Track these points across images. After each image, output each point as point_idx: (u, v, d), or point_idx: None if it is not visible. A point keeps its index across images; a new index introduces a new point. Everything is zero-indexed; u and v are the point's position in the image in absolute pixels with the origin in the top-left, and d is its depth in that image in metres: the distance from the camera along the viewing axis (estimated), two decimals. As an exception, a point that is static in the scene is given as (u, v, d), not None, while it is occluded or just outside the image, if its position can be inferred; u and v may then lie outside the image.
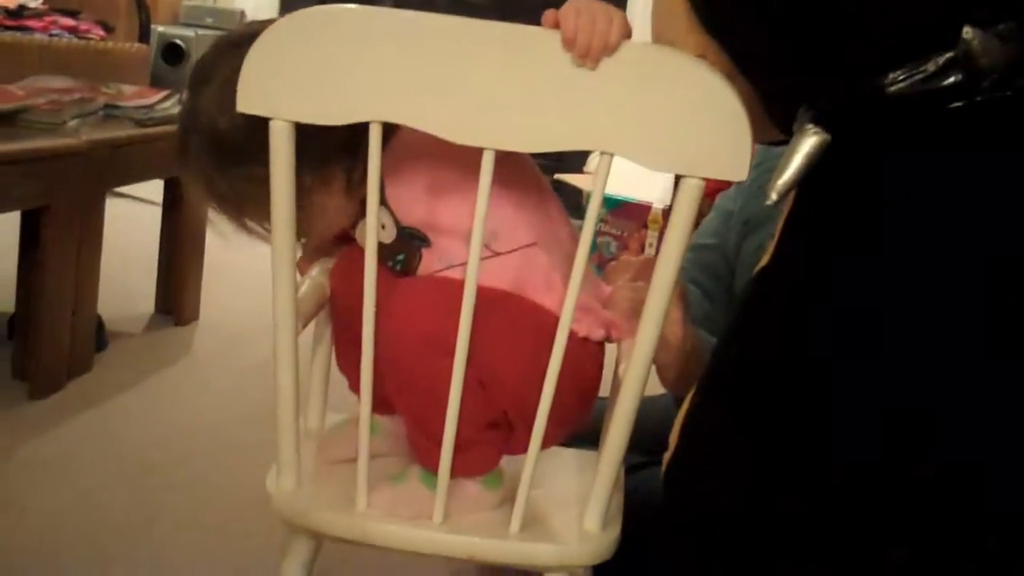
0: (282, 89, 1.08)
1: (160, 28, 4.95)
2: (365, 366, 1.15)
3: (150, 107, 2.92)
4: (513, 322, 1.23)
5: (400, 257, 1.29)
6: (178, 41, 4.93)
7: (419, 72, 1.06)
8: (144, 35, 4.91)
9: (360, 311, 1.14)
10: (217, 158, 1.22)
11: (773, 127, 1.15)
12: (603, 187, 1.09)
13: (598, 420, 1.37)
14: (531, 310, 1.24)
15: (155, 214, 3.23)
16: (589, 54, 1.03)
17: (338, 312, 1.36)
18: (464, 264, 1.13)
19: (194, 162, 1.24)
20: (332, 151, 1.23)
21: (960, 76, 0.99)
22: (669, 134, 1.05)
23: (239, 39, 1.19)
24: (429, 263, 1.28)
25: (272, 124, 1.09)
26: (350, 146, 1.22)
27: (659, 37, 1.19)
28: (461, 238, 1.23)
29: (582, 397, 1.29)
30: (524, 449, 1.19)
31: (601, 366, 1.30)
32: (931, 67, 1.00)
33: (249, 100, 1.09)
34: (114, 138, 2.65)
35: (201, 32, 4.97)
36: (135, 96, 2.98)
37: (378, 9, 1.09)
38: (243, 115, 1.10)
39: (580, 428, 1.33)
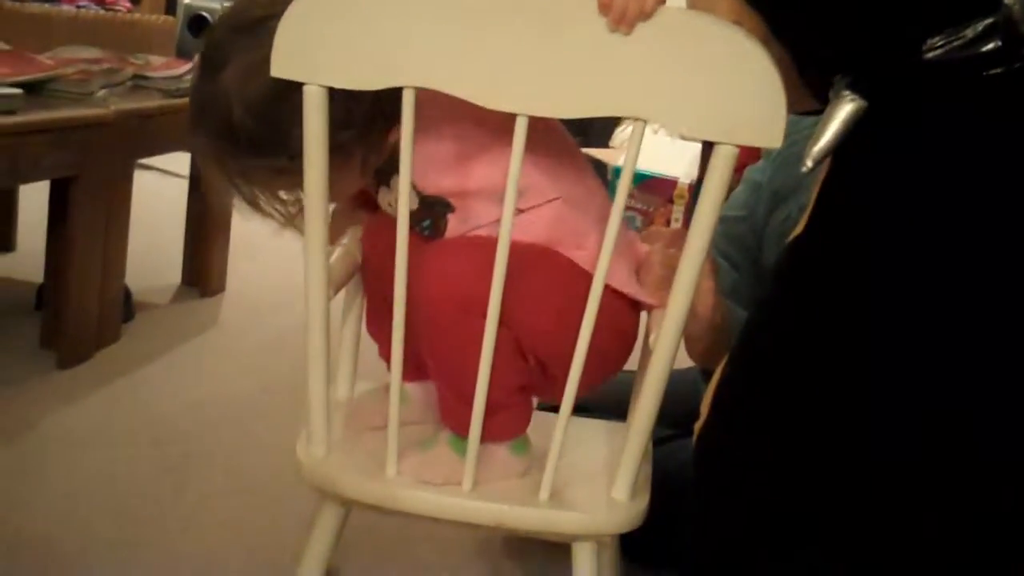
0: (316, 54, 1.08)
1: (187, 1, 4.95)
2: (397, 327, 1.15)
3: (178, 77, 2.92)
4: (546, 274, 1.22)
5: (426, 223, 1.29)
6: (204, 13, 4.92)
7: (452, 37, 1.06)
8: (171, 6, 4.92)
9: (391, 275, 1.14)
10: (231, 145, 1.21)
11: (807, 95, 1.14)
12: (636, 153, 1.08)
13: (626, 392, 1.36)
14: (564, 264, 1.24)
15: (182, 187, 3.24)
16: (625, 19, 1.02)
17: (369, 277, 1.36)
18: (492, 223, 1.13)
19: (205, 143, 1.23)
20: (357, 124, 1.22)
21: (999, 42, 0.98)
22: (703, 100, 1.04)
23: (249, 24, 1.19)
24: (456, 226, 1.28)
25: (306, 89, 1.09)
26: (372, 120, 1.21)
27: (694, 2, 1.18)
28: (488, 199, 1.23)
29: (621, 340, 1.30)
30: (555, 394, 1.20)
31: (638, 313, 1.31)
32: (970, 33, 0.99)
33: (283, 65, 1.09)
34: (142, 108, 2.65)
35: (227, 3, 4.97)
36: (163, 67, 2.98)
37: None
38: (260, 107, 1.11)
39: (618, 371, 1.33)
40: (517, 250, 1.12)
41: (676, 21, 1.04)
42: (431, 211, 1.28)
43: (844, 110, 1.03)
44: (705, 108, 1.04)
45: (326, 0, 1.07)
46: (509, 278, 1.11)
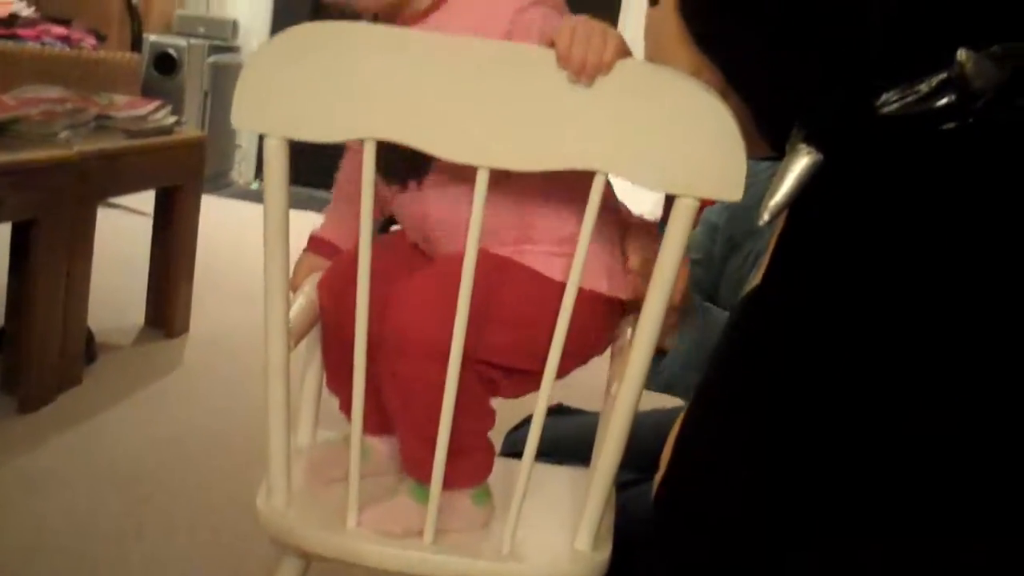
0: (277, 106, 1.08)
1: (152, 37, 4.94)
2: (358, 371, 1.14)
3: (142, 117, 2.92)
4: (513, 291, 1.22)
5: (405, 153, 1.26)
6: (170, 51, 4.92)
7: (414, 89, 1.06)
8: (136, 44, 4.91)
9: (352, 322, 1.13)
10: None
11: (765, 144, 1.14)
12: (597, 205, 1.08)
13: (591, 434, 1.36)
14: (531, 276, 1.24)
15: (146, 225, 3.22)
16: (584, 71, 1.03)
17: (328, 330, 1.35)
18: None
19: None
20: None
21: (953, 97, 0.99)
22: (663, 153, 1.05)
23: None
24: (441, 173, 1.25)
25: (266, 141, 1.09)
26: None
27: (652, 54, 1.18)
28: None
29: (597, 332, 1.30)
30: (529, 388, 1.21)
31: (609, 323, 1.31)
32: (924, 88, 1.00)
33: (243, 117, 1.09)
34: (106, 149, 2.64)
35: (194, 42, 4.96)
36: (127, 106, 2.98)
37: (373, 26, 1.09)
38: None
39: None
40: (484, 270, 1.12)
41: (636, 74, 1.05)
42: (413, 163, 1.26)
43: (800, 163, 1.04)
44: (665, 161, 1.05)
45: (286, 53, 1.07)
46: (475, 311, 1.11)
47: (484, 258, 1.15)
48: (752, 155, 1.14)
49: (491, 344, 1.20)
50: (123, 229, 3.91)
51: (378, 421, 1.28)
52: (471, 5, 1.24)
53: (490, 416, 1.26)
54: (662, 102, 1.04)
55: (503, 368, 1.24)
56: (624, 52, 1.05)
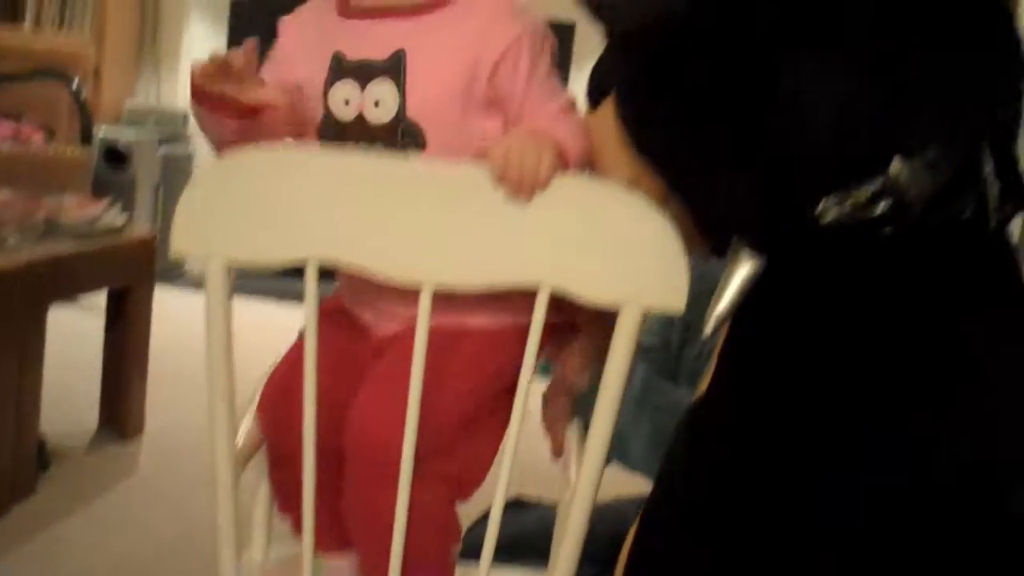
0: (217, 231, 1.08)
1: (103, 130, 4.93)
2: (307, 492, 1.12)
3: (92, 219, 2.90)
4: (462, 371, 1.22)
5: (378, 146, 1.24)
6: (120, 144, 4.91)
7: (353, 212, 1.06)
8: (86, 138, 4.90)
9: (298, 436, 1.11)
10: None
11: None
12: (542, 318, 1.08)
13: (550, 530, 1.35)
14: (476, 350, 1.23)
15: (98, 321, 3.19)
16: (522, 189, 1.03)
17: (273, 447, 1.31)
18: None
19: None
20: None
21: (889, 204, 1.00)
22: (606, 266, 1.06)
23: None
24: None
25: (207, 266, 1.08)
26: None
27: (592, 158, 1.19)
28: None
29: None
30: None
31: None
32: (862, 196, 1.01)
33: (183, 241, 1.09)
34: (55, 254, 2.62)
35: (144, 134, 4.96)
36: (76, 208, 2.96)
37: (310, 151, 1.09)
38: None
39: None
40: (435, 349, 1.11)
41: (574, 189, 1.06)
42: (394, 137, 1.24)
43: (741, 272, 1.05)
44: (608, 274, 1.06)
45: (225, 178, 1.07)
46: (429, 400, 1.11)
47: (436, 337, 1.13)
48: (697, 252, 1.15)
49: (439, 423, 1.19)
50: (74, 326, 3.87)
51: (337, 536, 1.27)
52: (468, 12, 1.24)
53: (455, 532, 1.24)
54: (602, 216, 1.05)
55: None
56: (560, 167, 1.06)
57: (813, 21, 1.01)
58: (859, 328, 1.01)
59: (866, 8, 1.01)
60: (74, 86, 4.28)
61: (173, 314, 3.65)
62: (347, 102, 1.23)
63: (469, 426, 1.22)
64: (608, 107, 1.16)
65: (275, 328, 2.74)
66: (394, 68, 1.21)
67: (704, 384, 1.10)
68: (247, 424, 1.30)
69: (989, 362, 1.00)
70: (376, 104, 1.22)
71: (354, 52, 1.23)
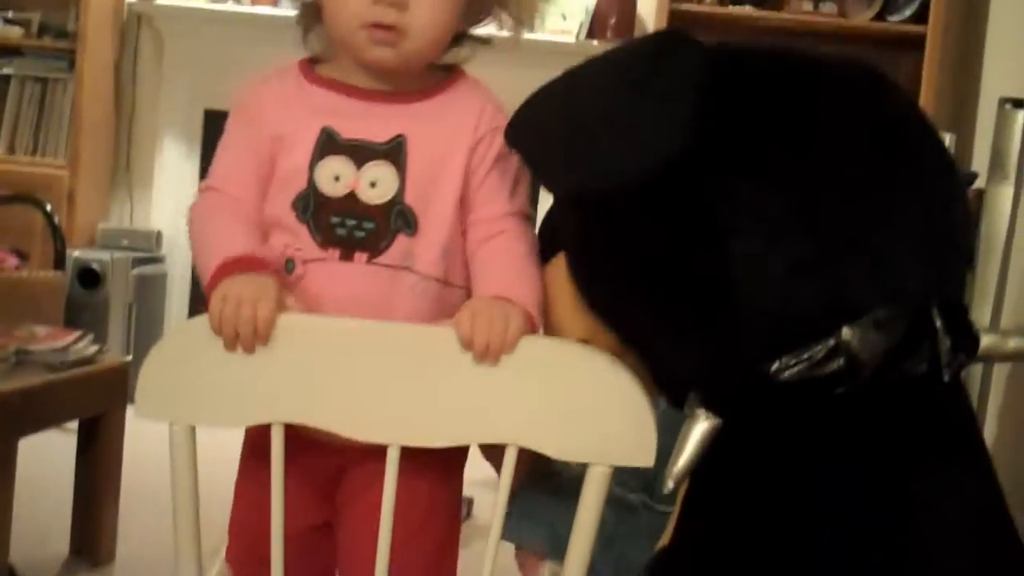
0: (181, 395, 1.09)
1: (76, 252, 4.94)
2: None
3: (64, 349, 2.90)
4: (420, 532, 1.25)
5: (368, 225, 1.25)
6: (94, 265, 4.92)
7: (317, 373, 1.08)
8: (60, 261, 4.91)
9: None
10: None
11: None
12: (510, 479, 1.09)
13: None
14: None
15: (69, 441, 3.17)
16: (489, 353, 1.05)
17: None
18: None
19: None
20: None
21: (842, 363, 1.02)
22: (572, 425, 1.08)
23: None
24: (396, 256, 1.25)
25: (171, 429, 1.09)
26: None
27: (548, 318, 1.21)
28: None
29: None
30: None
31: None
32: (817, 354, 1.03)
33: (148, 407, 1.10)
34: (26, 387, 2.62)
35: (117, 255, 4.97)
36: (48, 338, 2.96)
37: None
38: None
39: None
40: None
41: (541, 351, 1.08)
42: (387, 219, 1.25)
43: (699, 429, 1.06)
44: (575, 432, 1.08)
45: (187, 341, 1.09)
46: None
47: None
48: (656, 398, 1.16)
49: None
50: (45, 448, 3.84)
51: None
52: (464, 99, 1.29)
53: None
54: (568, 377, 1.07)
55: None
56: (527, 330, 1.08)
57: (758, 186, 1.03)
58: (814, 485, 1.03)
59: (811, 172, 1.04)
60: (48, 211, 4.30)
61: (145, 436, 3.63)
62: (337, 178, 1.25)
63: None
64: (560, 261, 1.19)
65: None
66: (394, 152, 1.25)
67: (666, 537, 1.11)
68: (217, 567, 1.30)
69: (933, 525, 1.01)
70: (372, 184, 1.25)
71: (349, 131, 1.26)
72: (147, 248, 5.16)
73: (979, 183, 3.07)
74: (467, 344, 1.06)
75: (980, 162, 3.50)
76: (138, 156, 5.25)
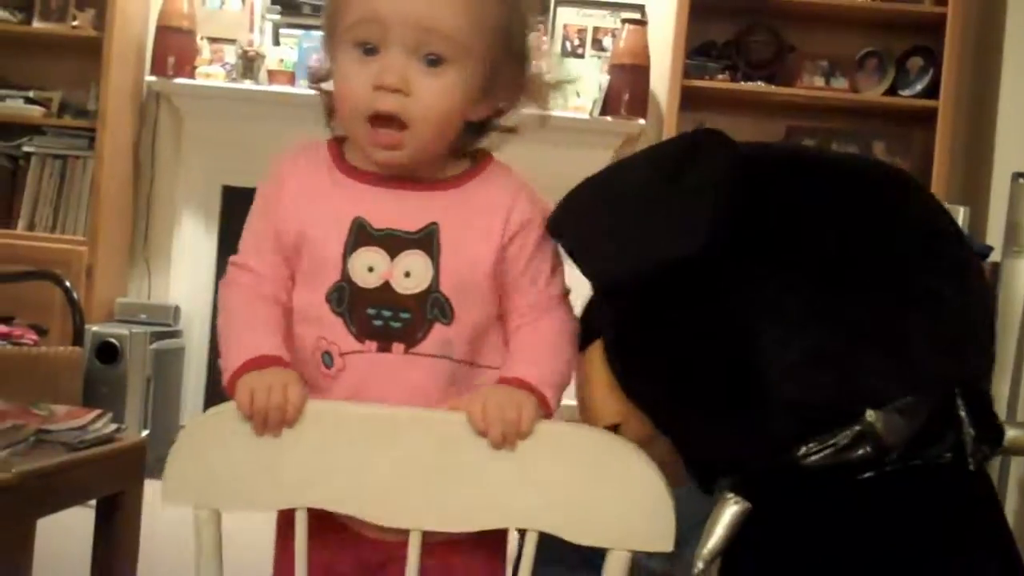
0: (205, 480, 1.10)
1: (95, 327, 4.97)
2: None
3: (83, 428, 2.90)
4: None
5: (404, 315, 1.25)
6: (112, 340, 4.94)
7: (342, 458, 1.08)
8: (78, 336, 4.94)
9: None
10: None
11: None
12: (531, 563, 1.09)
13: None
14: None
15: (87, 517, 3.16)
16: (505, 441, 1.06)
17: None
18: None
19: None
20: None
21: (869, 449, 1.03)
22: (592, 510, 1.08)
23: None
24: (433, 345, 1.24)
25: (196, 514, 1.09)
26: None
27: (581, 400, 1.23)
28: None
29: None
30: None
31: None
32: (843, 440, 1.04)
33: (175, 492, 1.10)
34: (45, 467, 2.61)
35: (136, 329, 5.00)
36: (67, 417, 2.97)
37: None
38: None
39: None
40: None
41: (557, 436, 1.09)
42: (423, 308, 1.24)
43: (728, 512, 1.06)
44: (595, 519, 1.08)
45: (211, 428, 1.10)
46: None
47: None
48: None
49: None
50: (63, 524, 3.83)
51: None
52: (495, 186, 1.28)
53: None
54: (587, 462, 1.08)
55: None
56: (540, 414, 1.09)
57: (782, 280, 1.05)
58: (843, 569, 1.03)
59: (832, 267, 1.06)
60: (66, 286, 4.34)
61: (162, 511, 3.63)
62: (371, 269, 1.25)
63: None
64: (598, 347, 1.20)
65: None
66: (427, 241, 1.24)
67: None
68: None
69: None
70: (407, 275, 1.24)
71: (381, 221, 1.25)
72: (165, 322, 5.19)
73: (994, 256, 3.09)
74: (481, 434, 1.07)
75: (994, 235, 3.52)
76: (156, 231, 5.29)
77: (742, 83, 4.71)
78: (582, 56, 4.94)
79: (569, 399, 1.29)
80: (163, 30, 4.93)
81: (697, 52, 4.72)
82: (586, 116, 4.75)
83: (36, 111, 5.01)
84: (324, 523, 1.18)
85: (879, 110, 4.79)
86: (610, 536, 1.07)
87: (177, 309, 5.27)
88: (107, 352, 4.97)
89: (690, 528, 1.16)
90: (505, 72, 1.26)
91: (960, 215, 3.55)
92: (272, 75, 4.89)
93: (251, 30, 4.97)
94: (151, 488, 3.24)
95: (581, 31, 4.95)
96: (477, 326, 1.25)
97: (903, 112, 4.73)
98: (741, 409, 1.06)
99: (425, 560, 1.09)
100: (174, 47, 4.92)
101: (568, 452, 1.08)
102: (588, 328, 1.24)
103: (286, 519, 1.16)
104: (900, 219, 1.12)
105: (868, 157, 1.16)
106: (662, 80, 4.73)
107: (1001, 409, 2.81)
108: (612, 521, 1.07)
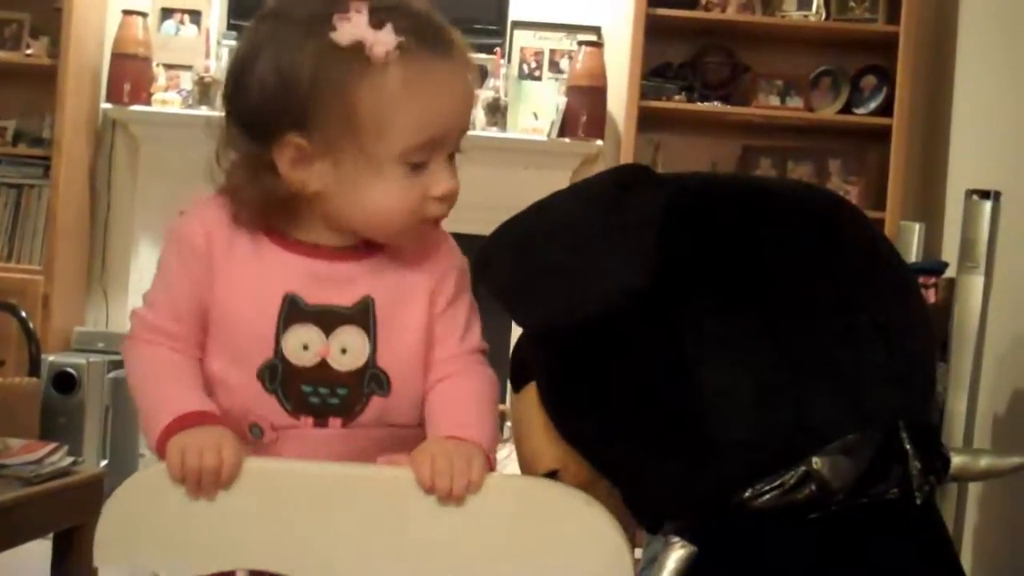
0: (141, 542, 1.08)
1: (52, 357, 4.92)
2: None
3: (39, 461, 2.88)
4: None
5: (341, 391, 1.22)
6: (70, 369, 4.90)
7: (282, 518, 1.07)
8: (35, 366, 4.89)
9: None
10: None
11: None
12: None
13: None
14: None
15: (44, 551, 3.12)
16: (452, 495, 1.04)
17: None
18: None
19: None
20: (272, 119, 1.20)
21: (814, 489, 1.03)
22: (548, 564, 1.06)
23: None
24: (371, 417, 1.23)
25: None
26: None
27: (520, 447, 1.22)
28: None
29: None
30: None
31: None
32: (789, 480, 1.04)
33: (107, 553, 1.08)
34: (1, 502, 2.59)
35: (93, 359, 4.96)
36: (23, 451, 2.94)
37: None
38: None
39: None
40: None
41: (509, 489, 1.07)
42: (360, 382, 1.22)
43: (673, 557, 1.06)
44: (548, 571, 1.06)
45: (145, 489, 1.08)
46: None
47: None
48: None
49: None
50: (19, 558, 3.79)
51: None
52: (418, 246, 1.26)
53: None
54: (541, 515, 1.06)
55: None
56: (491, 467, 1.07)
57: (722, 316, 1.05)
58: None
59: (773, 299, 1.06)
60: (22, 316, 4.29)
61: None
62: (306, 347, 1.22)
63: None
64: (532, 390, 1.19)
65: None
66: (362, 316, 1.22)
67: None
68: None
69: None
70: (343, 351, 1.22)
71: (314, 296, 1.23)
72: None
73: (949, 272, 3.11)
74: (428, 490, 1.05)
75: (949, 251, 3.55)
76: (113, 259, 5.25)
77: (698, 103, 4.72)
78: (539, 79, 4.94)
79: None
80: (118, 57, 4.90)
81: (653, 73, 4.73)
82: (544, 138, 4.76)
83: (-10, 140, 4.97)
84: None
85: (834, 128, 4.82)
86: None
87: (136, 337, 5.22)
88: (64, 382, 4.92)
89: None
90: None
91: (915, 231, 3.58)
92: (228, 101, 4.86)
93: (207, 56, 4.94)
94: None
95: (538, 54, 4.95)
96: (415, 391, 1.23)
97: (858, 130, 4.76)
98: (683, 452, 1.06)
99: None
100: (130, 74, 4.89)
101: (520, 506, 1.06)
102: (520, 370, 1.23)
103: None
104: (842, 247, 1.12)
105: (801, 182, 1.17)
106: (619, 101, 4.74)
107: (959, 427, 2.83)
108: (565, 574, 1.06)
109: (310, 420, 1.22)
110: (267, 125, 1.22)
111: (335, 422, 1.22)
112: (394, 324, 1.23)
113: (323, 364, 1.21)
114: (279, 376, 1.22)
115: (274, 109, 1.20)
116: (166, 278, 1.27)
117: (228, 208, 1.27)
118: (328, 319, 1.22)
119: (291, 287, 1.22)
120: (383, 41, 1.14)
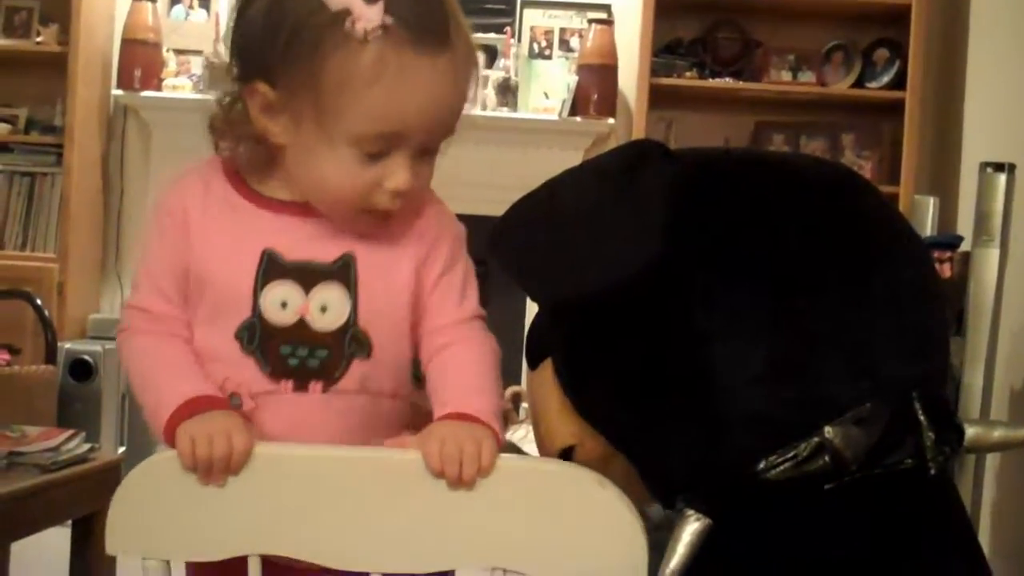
0: (154, 529, 1.07)
1: (68, 344, 4.94)
2: None
3: (56, 449, 2.89)
4: None
5: (321, 353, 1.21)
6: (86, 357, 4.92)
7: (293, 502, 1.06)
8: (51, 354, 4.90)
9: None
10: None
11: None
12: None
13: None
14: None
15: (64, 536, 3.13)
16: (462, 480, 1.04)
17: None
18: None
19: None
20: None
21: (828, 460, 1.03)
22: (559, 547, 1.06)
23: None
24: (352, 382, 1.21)
25: (144, 563, 1.07)
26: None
27: (536, 422, 1.21)
28: None
29: None
30: None
31: None
32: (803, 452, 1.03)
33: (119, 541, 1.08)
34: (18, 490, 2.60)
35: (109, 346, 4.97)
36: (40, 438, 2.95)
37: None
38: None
39: None
40: None
41: (519, 472, 1.06)
42: (340, 344, 1.20)
43: (688, 530, 1.06)
44: (562, 555, 1.05)
45: (160, 474, 1.08)
46: None
47: None
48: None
49: None
50: (39, 545, 3.80)
51: None
52: (409, 210, 1.23)
53: None
54: (551, 497, 1.06)
55: None
56: (500, 450, 1.07)
57: (733, 288, 1.05)
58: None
59: (785, 271, 1.05)
60: (38, 304, 4.31)
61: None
62: (284, 305, 1.20)
63: None
64: (548, 366, 1.19)
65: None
66: (343, 272, 1.20)
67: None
68: None
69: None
70: (323, 309, 1.20)
71: (293, 252, 1.21)
72: (139, 338, 5.16)
73: (964, 246, 3.10)
74: (438, 475, 1.04)
75: (964, 225, 3.53)
76: (128, 245, 5.26)
77: (710, 80, 4.71)
78: (550, 57, 4.93)
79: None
80: (128, 43, 4.90)
81: (664, 50, 4.72)
82: (555, 117, 4.75)
83: (2, 128, 4.98)
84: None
85: (847, 103, 4.79)
86: (579, 572, 1.05)
87: (151, 323, 5.23)
88: (81, 369, 4.94)
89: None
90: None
91: (930, 205, 3.56)
92: (239, 85, 4.86)
93: (217, 41, 4.94)
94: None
95: (548, 32, 4.94)
96: (397, 358, 1.22)
97: (871, 104, 4.74)
98: (696, 425, 1.06)
99: None
100: (140, 60, 4.89)
101: (530, 487, 1.06)
102: (536, 348, 1.23)
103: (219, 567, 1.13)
104: (856, 221, 1.12)
105: (815, 156, 1.17)
106: (630, 79, 4.72)
107: (975, 400, 2.82)
108: (581, 558, 1.05)
109: (290, 384, 1.20)
110: (245, 65, 1.21)
111: (315, 386, 1.20)
112: (376, 284, 1.20)
113: (302, 323, 1.19)
114: (257, 336, 1.19)
115: (253, 51, 1.19)
116: (147, 255, 1.26)
117: (205, 176, 1.25)
118: (307, 275, 1.19)
119: (269, 243, 1.20)
120: (368, 17, 1.10)
